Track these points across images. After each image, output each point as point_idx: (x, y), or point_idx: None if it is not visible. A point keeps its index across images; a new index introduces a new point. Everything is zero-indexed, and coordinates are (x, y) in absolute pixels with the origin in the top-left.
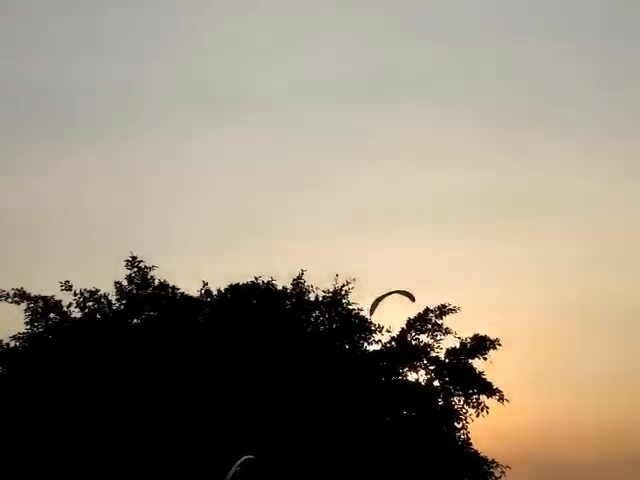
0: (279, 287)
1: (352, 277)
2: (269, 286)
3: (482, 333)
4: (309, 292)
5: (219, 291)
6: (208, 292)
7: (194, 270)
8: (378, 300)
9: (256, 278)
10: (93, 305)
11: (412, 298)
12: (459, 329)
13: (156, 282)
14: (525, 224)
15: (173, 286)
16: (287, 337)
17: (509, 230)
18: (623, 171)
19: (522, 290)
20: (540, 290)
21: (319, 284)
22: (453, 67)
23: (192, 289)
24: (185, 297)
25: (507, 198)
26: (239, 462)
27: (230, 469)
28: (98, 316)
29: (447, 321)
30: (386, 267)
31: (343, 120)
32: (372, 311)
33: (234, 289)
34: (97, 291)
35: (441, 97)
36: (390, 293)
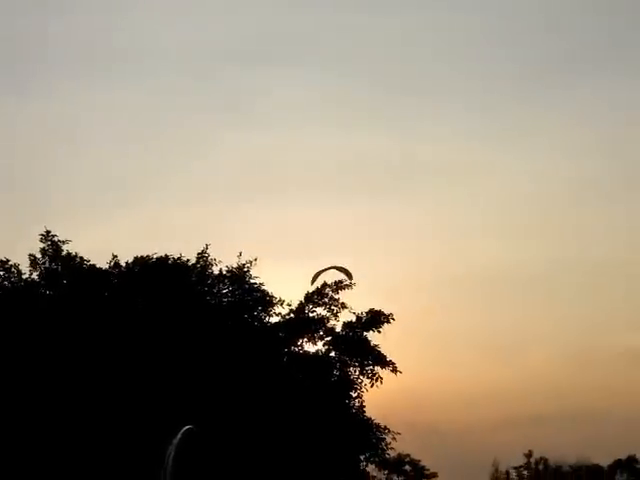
0: (175, 257)
1: (254, 257)
2: (177, 261)
3: (374, 304)
4: (212, 265)
5: (127, 264)
6: (117, 264)
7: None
8: (318, 273)
9: (167, 256)
10: (4, 274)
11: (350, 276)
12: (352, 299)
13: (65, 254)
14: (408, 192)
15: (81, 257)
16: (193, 309)
17: (393, 197)
18: (498, 141)
19: (408, 259)
20: (433, 259)
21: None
22: (340, 33)
23: (102, 261)
24: (93, 269)
25: (388, 166)
26: (181, 433)
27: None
28: (7, 285)
29: (343, 295)
30: (271, 233)
31: (227, 82)
32: (313, 282)
33: (143, 263)
34: (7, 261)
35: (328, 62)
36: (330, 268)
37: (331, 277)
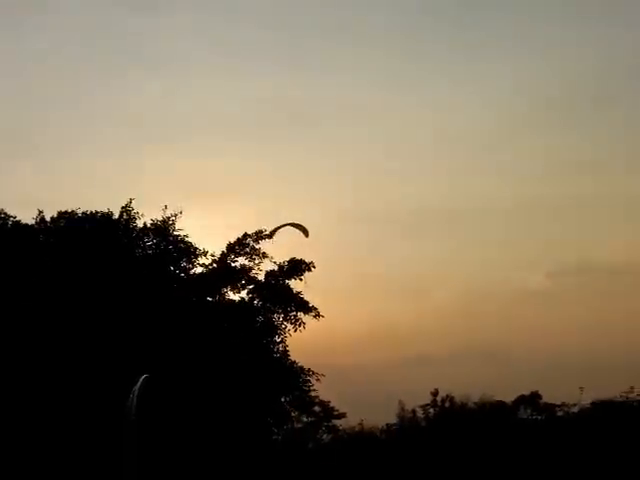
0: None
1: (180, 209)
2: (104, 215)
3: (293, 249)
4: (136, 219)
5: (52, 218)
6: (42, 220)
7: None
8: (276, 229)
9: (96, 212)
10: None
11: (306, 233)
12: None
13: None
14: (322, 133)
15: (6, 213)
16: (120, 262)
17: (305, 139)
18: (405, 81)
19: (322, 201)
20: (343, 202)
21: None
22: None
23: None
24: (18, 225)
25: (292, 109)
26: (140, 381)
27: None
28: None
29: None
30: (181, 179)
31: (119, 26)
32: (271, 236)
33: (68, 217)
34: None
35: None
36: (286, 225)
37: (287, 233)
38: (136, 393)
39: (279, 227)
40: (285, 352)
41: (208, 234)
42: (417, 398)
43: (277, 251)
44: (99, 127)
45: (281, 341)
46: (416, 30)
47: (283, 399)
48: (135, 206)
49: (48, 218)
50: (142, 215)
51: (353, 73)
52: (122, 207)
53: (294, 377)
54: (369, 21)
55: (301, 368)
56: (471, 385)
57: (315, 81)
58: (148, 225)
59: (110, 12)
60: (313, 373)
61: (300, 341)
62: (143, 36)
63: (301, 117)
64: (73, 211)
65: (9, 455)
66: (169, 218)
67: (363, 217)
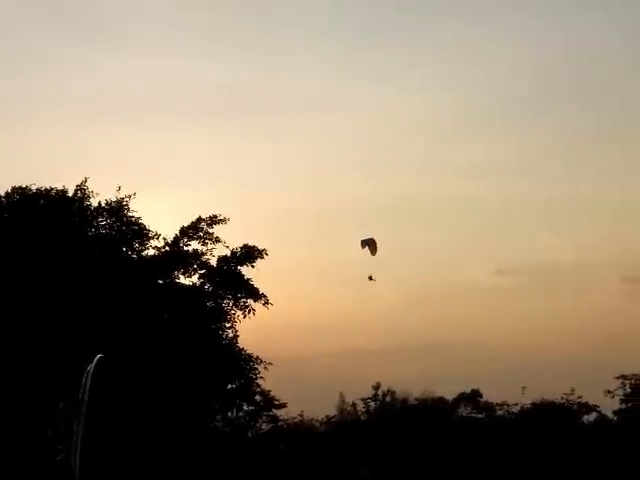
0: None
1: (134, 192)
2: (59, 192)
3: (248, 238)
4: (91, 198)
5: (7, 193)
6: None
7: None
8: (365, 242)
9: (50, 188)
10: None
11: (373, 252)
12: (225, 231)
13: None
14: (279, 121)
15: None
16: (72, 240)
17: (260, 126)
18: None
19: (277, 192)
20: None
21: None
22: None
23: None
24: None
25: (257, 96)
26: (94, 362)
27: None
28: None
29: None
30: (135, 160)
31: (80, 3)
32: (363, 245)
33: (22, 193)
34: None
35: None
36: (370, 240)
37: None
38: (91, 372)
39: (366, 240)
40: (234, 338)
41: (161, 217)
42: (359, 391)
43: (230, 237)
44: (54, 104)
45: (230, 327)
46: (380, 23)
47: (229, 386)
48: (89, 185)
49: (2, 192)
50: (96, 194)
51: (320, 66)
52: (77, 185)
53: (242, 364)
54: (335, 13)
55: (249, 355)
56: (413, 380)
57: (282, 72)
58: (102, 205)
59: None
60: (261, 361)
61: (248, 328)
62: (104, 13)
63: (256, 103)
64: (27, 186)
65: None
66: (123, 199)
67: (314, 209)
